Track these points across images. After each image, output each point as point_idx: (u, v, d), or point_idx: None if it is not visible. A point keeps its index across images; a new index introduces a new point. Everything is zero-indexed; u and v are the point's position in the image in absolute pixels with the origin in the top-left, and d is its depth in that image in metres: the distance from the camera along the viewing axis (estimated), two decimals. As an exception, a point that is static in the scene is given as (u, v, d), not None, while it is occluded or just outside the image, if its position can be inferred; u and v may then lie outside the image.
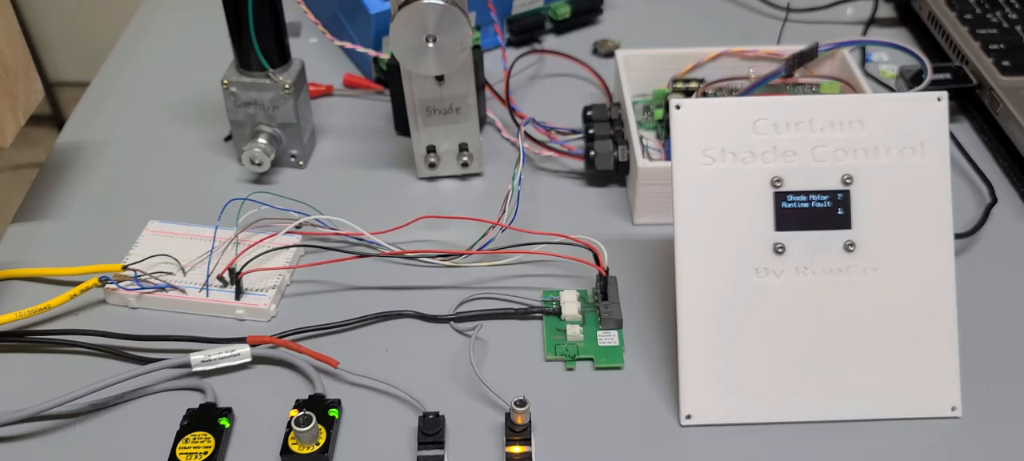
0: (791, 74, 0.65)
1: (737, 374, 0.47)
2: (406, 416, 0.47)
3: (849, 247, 0.47)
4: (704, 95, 0.64)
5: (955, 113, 0.70)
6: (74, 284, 0.53)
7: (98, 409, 0.48)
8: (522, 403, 0.44)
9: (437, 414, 0.46)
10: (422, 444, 0.45)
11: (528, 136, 0.65)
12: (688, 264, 0.47)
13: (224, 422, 0.46)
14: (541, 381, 0.50)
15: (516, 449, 0.45)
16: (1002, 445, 0.46)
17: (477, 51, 0.62)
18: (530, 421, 0.45)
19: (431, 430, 0.45)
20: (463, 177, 0.64)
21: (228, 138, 0.67)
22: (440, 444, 0.45)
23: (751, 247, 0.47)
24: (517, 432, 0.45)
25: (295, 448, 0.45)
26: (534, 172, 0.65)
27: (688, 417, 0.47)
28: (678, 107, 0.47)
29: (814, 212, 0.47)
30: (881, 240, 0.47)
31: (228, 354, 0.49)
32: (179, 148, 0.67)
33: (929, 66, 0.66)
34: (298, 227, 0.57)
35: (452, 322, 0.53)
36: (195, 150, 0.67)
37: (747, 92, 0.64)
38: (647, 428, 0.47)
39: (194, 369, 0.49)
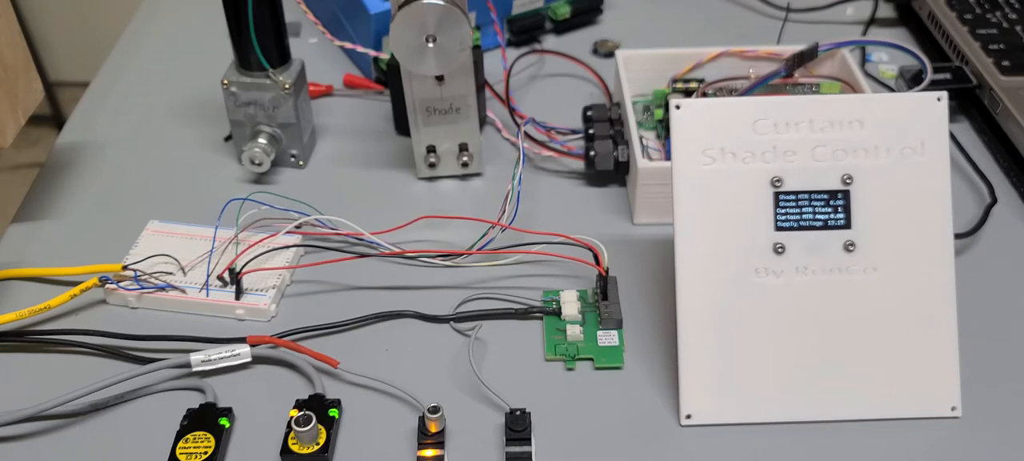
0: (791, 74, 0.65)
1: (737, 374, 0.47)
2: (406, 416, 0.47)
3: (849, 247, 0.47)
4: (704, 95, 0.64)
5: (955, 113, 0.70)
6: (74, 284, 0.53)
7: (98, 409, 0.48)
8: (435, 410, 0.45)
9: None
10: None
11: (528, 136, 0.65)
12: (688, 264, 0.47)
13: (224, 422, 0.46)
14: (541, 381, 0.50)
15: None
16: (1002, 445, 0.46)
17: (477, 51, 0.62)
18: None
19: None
20: (463, 177, 0.64)
21: (228, 138, 0.67)
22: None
23: (751, 247, 0.47)
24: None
25: (295, 448, 0.45)
26: (534, 172, 0.65)
27: (688, 417, 0.47)
28: (678, 107, 0.47)
29: (814, 212, 0.47)
30: (881, 240, 0.47)
31: (228, 354, 0.49)
32: (179, 148, 0.67)
33: (929, 66, 0.66)
34: (298, 227, 0.57)
35: (452, 322, 0.53)
36: (195, 150, 0.67)
37: (747, 92, 0.64)
38: (647, 428, 0.47)
39: (194, 369, 0.49)
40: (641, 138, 0.61)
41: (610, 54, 0.77)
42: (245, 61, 0.60)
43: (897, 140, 0.47)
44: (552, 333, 0.52)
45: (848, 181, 0.47)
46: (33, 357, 0.51)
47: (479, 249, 0.56)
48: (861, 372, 0.47)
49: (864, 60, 0.76)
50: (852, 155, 0.47)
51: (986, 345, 0.51)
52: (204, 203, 0.60)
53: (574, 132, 0.66)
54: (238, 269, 0.53)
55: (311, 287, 0.56)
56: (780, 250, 0.47)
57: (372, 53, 0.68)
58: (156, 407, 0.48)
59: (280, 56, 0.61)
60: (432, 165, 0.63)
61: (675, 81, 0.66)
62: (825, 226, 0.47)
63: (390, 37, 0.56)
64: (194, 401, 0.48)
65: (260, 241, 0.55)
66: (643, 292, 0.55)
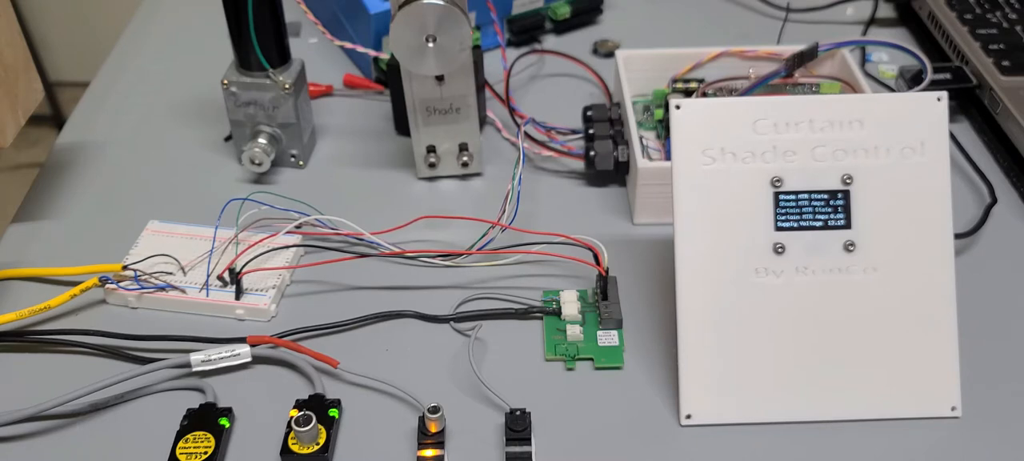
0: (791, 74, 0.65)
1: (737, 374, 0.47)
2: (406, 416, 0.47)
3: (849, 247, 0.47)
4: (704, 95, 0.64)
5: (955, 113, 0.70)
6: (74, 284, 0.53)
7: (98, 409, 0.48)
8: (435, 410, 0.45)
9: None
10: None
11: (528, 136, 0.65)
12: (688, 264, 0.47)
13: (224, 422, 0.46)
14: (541, 381, 0.50)
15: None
16: (1002, 445, 0.46)
17: (477, 51, 0.62)
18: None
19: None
20: (463, 177, 0.64)
21: (228, 138, 0.67)
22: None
23: (751, 247, 0.47)
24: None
25: (295, 448, 0.45)
26: (534, 172, 0.65)
27: (688, 417, 0.47)
28: (678, 107, 0.47)
29: (814, 212, 0.47)
30: (881, 240, 0.47)
31: (228, 354, 0.49)
32: (179, 148, 0.67)
33: (929, 66, 0.66)
34: (298, 227, 0.57)
35: (452, 322, 0.53)
36: (195, 150, 0.67)
37: (747, 92, 0.64)
38: (647, 428, 0.47)
39: (194, 369, 0.49)
40: (641, 138, 0.61)
41: (610, 54, 0.77)
42: (245, 61, 0.60)
43: (897, 140, 0.47)
44: (552, 333, 0.52)
45: (848, 181, 0.47)
46: (33, 357, 0.51)
47: (479, 249, 0.56)
48: (861, 372, 0.47)
49: (864, 60, 0.76)
50: (852, 155, 0.47)
51: (986, 345, 0.51)
52: (204, 203, 0.60)
53: (574, 132, 0.66)
54: (238, 269, 0.53)
55: (311, 287, 0.56)
56: (780, 250, 0.47)
57: (372, 53, 0.68)
58: (156, 407, 0.48)
59: (280, 56, 0.61)
60: (432, 165, 0.63)
61: (675, 81, 0.66)
62: (825, 226, 0.47)
63: (390, 37, 0.56)
64: (194, 401, 0.48)
65: (260, 241, 0.55)
66: (643, 292, 0.55)
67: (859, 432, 0.47)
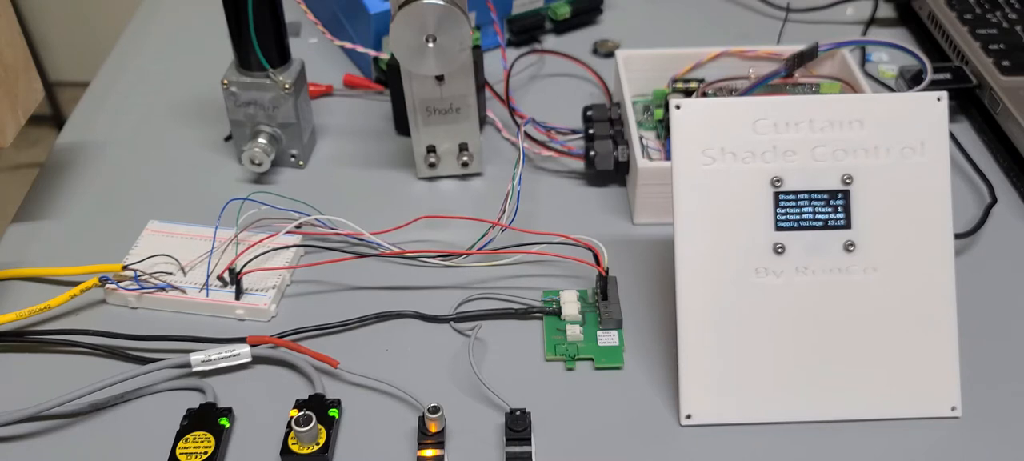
0: (791, 74, 0.65)
1: (737, 374, 0.47)
2: (406, 416, 0.47)
3: (849, 247, 0.47)
4: (704, 95, 0.64)
5: (955, 113, 0.70)
6: (74, 284, 0.53)
7: (98, 409, 0.48)
8: (435, 410, 0.45)
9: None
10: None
11: (528, 136, 0.65)
12: (688, 264, 0.47)
13: (224, 422, 0.46)
14: (541, 381, 0.50)
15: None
16: (1002, 445, 0.46)
17: (477, 51, 0.62)
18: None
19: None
20: (463, 177, 0.64)
21: (228, 138, 0.67)
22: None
23: (751, 247, 0.47)
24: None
25: (295, 448, 0.45)
26: (534, 172, 0.65)
27: (688, 417, 0.47)
28: (678, 107, 0.47)
29: (814, 212, 0.47)
30: (881, 240, 0.47)
31: (228, 354, 0.49)
32: (179, 148, 0.67)
33: (929, 66, 0.66)
34: (298, 227, 0.57)
35: (452, 322, 0.53)
36: (195, 150, 0.67)
37: (747, 92, 0.64)
38: (647, 428, 0.47)
39: (194, 369, 0.49)
40: (641, 138, 0.61)
41: (610, 54, 0.77)
42: (245, 61, 0.60)
43: (897, 140, 0.47)
44: (552, 333, 0.52)
45: (848, 181, 0.47)
46: (33, 357, 0.51)
47: (479, 249, 0.56)
48: (861, 372, 0.47)
49: (864, 60, 0.76)
50: (852, 155, 0.47)
51: (986, 345, 0.51)
52: (204, 203, 0.60)
53: (574, 132, 0.66)
54: (238, 269, 0.53)
55: (311, 287, 0.56)
56: (780, 250, 0.47)
57: (372, 53, 0.68)
58: (156, 407, 0.48)
59: (280, 56, 0.61)
60: (432, 165, 0.63)
61: (675, 81, 0.66)
62: (825, 226, 0.47)
63: (390, 37, 0.56)
64: (194, 401, 0.48)
65: (260, 241, 0.55)
66: (643, 292, 0.55)
67: (859, 432, 0.47)
